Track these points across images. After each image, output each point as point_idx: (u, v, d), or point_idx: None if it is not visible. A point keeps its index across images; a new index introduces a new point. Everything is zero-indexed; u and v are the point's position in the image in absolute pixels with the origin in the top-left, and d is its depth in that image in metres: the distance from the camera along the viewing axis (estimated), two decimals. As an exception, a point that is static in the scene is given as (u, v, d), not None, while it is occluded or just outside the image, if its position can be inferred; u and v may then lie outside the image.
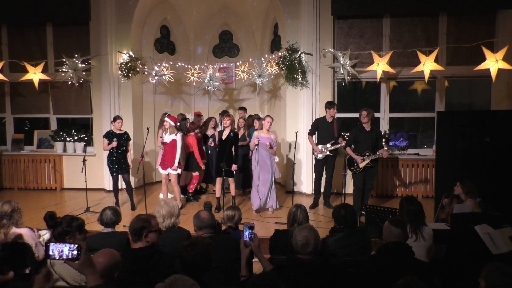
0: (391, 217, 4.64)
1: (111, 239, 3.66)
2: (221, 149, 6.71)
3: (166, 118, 6.89)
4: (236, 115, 8.76)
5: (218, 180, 6.87)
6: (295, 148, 6.66)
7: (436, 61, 7.43)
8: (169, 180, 6.98)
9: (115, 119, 6.95)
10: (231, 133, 6.71)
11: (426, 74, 7.43)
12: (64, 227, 3.25)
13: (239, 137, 7.48)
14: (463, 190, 4.74)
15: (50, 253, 1.93)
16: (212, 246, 2.45)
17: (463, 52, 7.73)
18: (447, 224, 4.51)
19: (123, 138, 6.90)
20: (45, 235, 4.43)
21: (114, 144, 6.75)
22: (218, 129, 7.78)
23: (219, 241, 3.10)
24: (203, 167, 7.44)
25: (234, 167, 6.71)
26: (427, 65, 7.40)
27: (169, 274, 2.60)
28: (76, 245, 1.93)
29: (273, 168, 6.67)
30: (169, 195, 7.43)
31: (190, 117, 8.82)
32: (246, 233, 2.78)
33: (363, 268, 2.94)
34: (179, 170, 6.91)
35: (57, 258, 1.94)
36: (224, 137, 6.77)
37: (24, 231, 4.02)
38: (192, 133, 7.30)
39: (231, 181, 6.93)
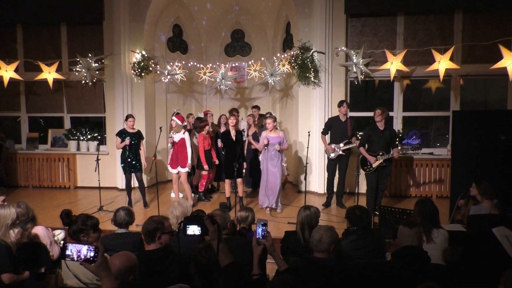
0: (405, 218, 4.61)
1: (125, 239, 3.69)
2: (231, 149, 6.70)
3: (173, 117, 6.92)
4: (248, 113, 8.75)
5: (227, 180, 6.89)
6: (307, 147, 6.62)
7: (451, 59, 7.31)
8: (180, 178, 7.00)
9: (127, 117, 6.99)
10: (238, 133, 6.73)
11: (441, 73, 7.31)
12: (79, 225, 3.29)
13: (250, 134, 7.65)
14: (479, 191, 4.66)
15: (68, 253, 1.87)
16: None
17: (479, 50, 7.59)
18: (463, 226, 4.43)
19: (135, 137, 6.94)
20: (60, 234, 4.48)
21: (127, 141, 6.79)
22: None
23: (234, 243, 3.08)
24: (217, 162, 7.46)
25: (244, 165, 6.74)
26: (442, 63, 7.28)
27: (182, 276, 2.60)
28: (94, 246, 1.88)
29: (282, 168, 6.65)
30: (180, 194, 7.45)
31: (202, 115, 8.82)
32: (259, 230, 2.71)
33: (377, 271, 2.90)
34: (187, 168, 6.92)
35: (75, 259, 1.87)
36: (233, 137, 6.76)
37: (39, 230, 4.06)
38: (202, 132, 7.29)
39: (239, 182, 6.89)
